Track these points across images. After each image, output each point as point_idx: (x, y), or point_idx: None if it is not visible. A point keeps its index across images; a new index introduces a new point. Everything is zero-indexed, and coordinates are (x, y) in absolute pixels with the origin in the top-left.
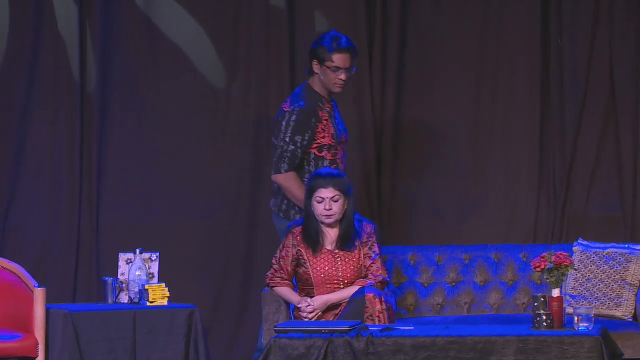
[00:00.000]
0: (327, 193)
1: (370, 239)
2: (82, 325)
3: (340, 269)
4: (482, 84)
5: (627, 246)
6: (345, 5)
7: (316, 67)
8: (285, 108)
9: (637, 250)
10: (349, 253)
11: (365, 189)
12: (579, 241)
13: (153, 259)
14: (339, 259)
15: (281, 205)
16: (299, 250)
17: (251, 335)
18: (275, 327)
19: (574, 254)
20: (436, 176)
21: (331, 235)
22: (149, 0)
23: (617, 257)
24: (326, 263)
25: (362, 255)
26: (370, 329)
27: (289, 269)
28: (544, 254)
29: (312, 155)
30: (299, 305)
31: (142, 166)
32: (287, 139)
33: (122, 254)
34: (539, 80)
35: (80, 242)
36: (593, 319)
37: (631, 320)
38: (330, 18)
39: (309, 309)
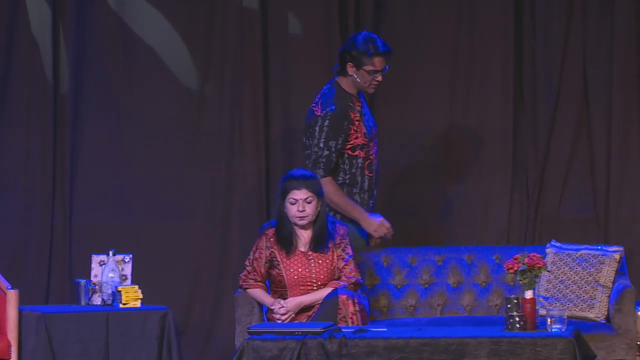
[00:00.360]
0: (300, 194)
1: (344, 241)
2: (55, 327)
3: (314, 271)
4: (455, 86)
5: (599, 248)
6: (318, 7)
7: (351, 70)
8: (317, 112)
9: (610, 251)
10: (322, 254)
11: None
12: (552, 243)
13: (126, 260)
14: (312, 261)
15: None
16: (272, 251)
17: (224, 337)
18: (248, 328)
19: (547, 256)
20: (409, 178)
21: (304, 236)
22: (122, 2)
23: (589, 258)
24: (299, 264)
25: (335, 257)
26: (343, 330)
27: (262, 270)
28: (516, 255)
29: (346, 155)
30: (272, 307)
31: (115, 167)
32: (322, 144)
33: (94, 256)
34: (512, 82)
35: (53, 244)
36: (566, 321)
37: (604, 321)
38: (303, 19)
39: (282, 310)
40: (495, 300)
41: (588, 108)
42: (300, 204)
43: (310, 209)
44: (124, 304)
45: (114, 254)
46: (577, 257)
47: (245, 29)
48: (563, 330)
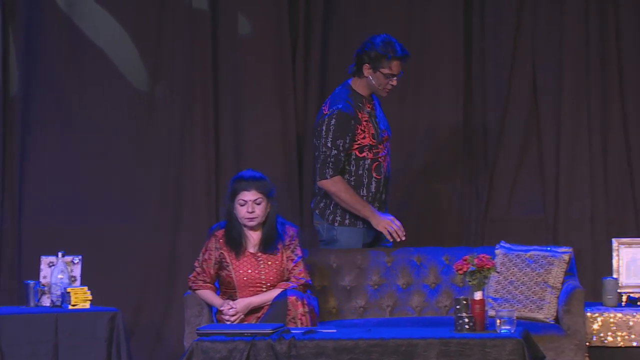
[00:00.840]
0: (249, 196)
1: (293, 242)
2: (4, 329)
3: (263, 272)
4: (405, 86)
5: (549, 249)
6: (268, 8)
7: (367, 71)
8: (325, 111)
9: (559, 252)
10: (272, 256)
11: (288, 191)
12: (501, 244)
13: (75, 261)
14: (262, 262)
15: (319, 203)
16: (221, 253)
17: (173, 338)
18: (197, 330)
19: (496, 257)
20: None
21: (254, 238)
22: (71, 3)
23: (539, 259)
24: (249, 266)
25: (284, 258)
26: (293, 331)
27: (212, 271)
28: (466, 256)
29: (353, 156)
30: (221, 308)
31: (64, 169)
32: (329, 144)
33: (44, 257)
34: (462, 82)
35: (2, 245)
36: (515, 322)
37: (553, 322)
38: (253, 20)
39: (231, 311)
40: (444, 301)
41: (537, 109)
42: (249, 205)
43: (259, 210)
44: (73, 305)
45: (63, 255)
46: (526, 258)
47: (195, 29)
48: (512, 331)
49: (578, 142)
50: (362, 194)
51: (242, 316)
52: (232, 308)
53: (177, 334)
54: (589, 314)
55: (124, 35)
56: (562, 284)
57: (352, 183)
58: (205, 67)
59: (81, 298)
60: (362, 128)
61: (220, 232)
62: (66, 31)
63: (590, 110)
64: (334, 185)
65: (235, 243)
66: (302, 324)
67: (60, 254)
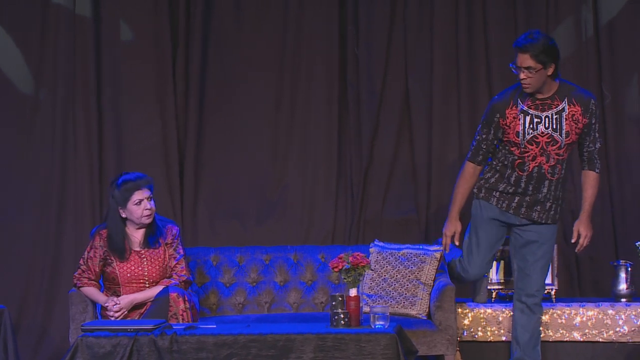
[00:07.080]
0: (142, 194)
1: (175, 241)
2: None
3: (146, 269)
4: (282, 92)
5: (421, 247)
6: (149, 15)
7: None
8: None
9: (431, 251)
10: (155, 251)
11: (169, 191)
12: (375, 242)
13: None
14: (145, 259)
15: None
16: (106, 250)
17: (58, 335)
18: (81, 326)
19: (371, 255)
20: (237, 179)
21: (136, 237)
22: None
23: (411, 257)
24: (132, 263)
25: (167, 256)
26: (174, 327)
27: (97, 269)
28: (341, 254)
29: (507, 147)
30: (106, 304)
31: None
32: (478, 129)
33: None
34: (337, 88)
35: None
36: (389, 317)
37: (425, 318)
38: (134, 26)
39: (116, 307)
40: (321, 297)
41: (409, 115)
42: (145, 203)
43: (153, 205)
44: None
45: None
46: (399, 256)
47: (78, 35)
48: (386, 326)
49: (448, 143)
50: (503, 180)
51: (126, 312)
52: (116, 304)
53: (61, 330)
54: (459, 310)
55: (9, 40)
56: (434, 281)
57: (498, 169)
58: (87, 72)
59: None
60: (507, 123)
61: (104, 231)
62: None
63: (461, 117)
64: (462, 167)
65: (119, 248)
66: (183, 319)
67: None
